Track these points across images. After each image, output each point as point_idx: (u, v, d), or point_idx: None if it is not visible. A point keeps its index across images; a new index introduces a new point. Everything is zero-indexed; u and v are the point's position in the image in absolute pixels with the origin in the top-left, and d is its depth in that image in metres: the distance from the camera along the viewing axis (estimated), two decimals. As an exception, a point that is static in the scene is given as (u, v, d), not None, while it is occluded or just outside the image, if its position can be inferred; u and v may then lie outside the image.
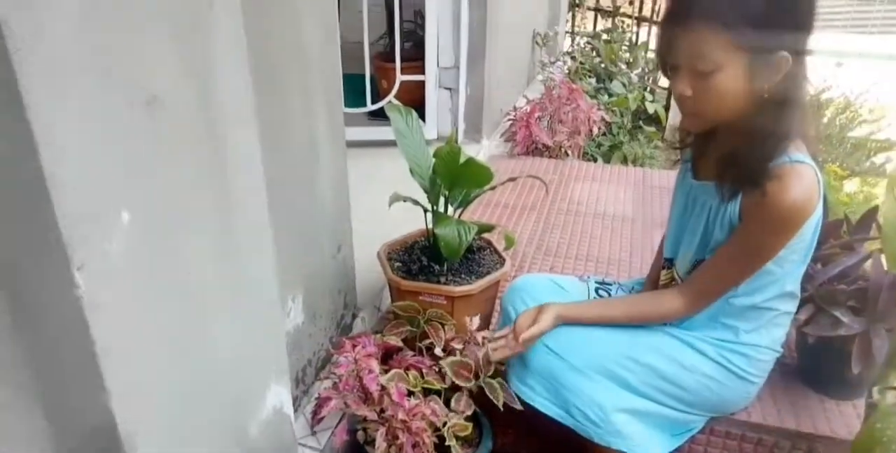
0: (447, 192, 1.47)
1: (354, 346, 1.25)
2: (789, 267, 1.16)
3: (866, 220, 1.49)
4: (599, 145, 3.65)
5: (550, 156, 3.03)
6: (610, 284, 1.46)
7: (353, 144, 2.55)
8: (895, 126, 3.61)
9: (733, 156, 1.10)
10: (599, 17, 5.51)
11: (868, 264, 1.40)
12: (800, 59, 1.03)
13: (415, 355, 1.36)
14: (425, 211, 1.50)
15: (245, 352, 0.96)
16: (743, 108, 1.06)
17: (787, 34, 1.00)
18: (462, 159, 1.36)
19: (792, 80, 1.04)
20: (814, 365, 1.48)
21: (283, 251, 1.13)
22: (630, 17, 5.34)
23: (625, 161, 3.62)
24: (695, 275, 1.19)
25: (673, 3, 1.06)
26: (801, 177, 1.05)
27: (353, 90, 2.74)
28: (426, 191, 1.49)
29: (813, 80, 1.10)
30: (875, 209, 1.47)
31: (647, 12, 5.36)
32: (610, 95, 3.98)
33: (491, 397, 1.23)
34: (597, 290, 1.44)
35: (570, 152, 3.09)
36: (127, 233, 0.68)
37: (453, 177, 1.42)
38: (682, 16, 1.02)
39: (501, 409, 1.23)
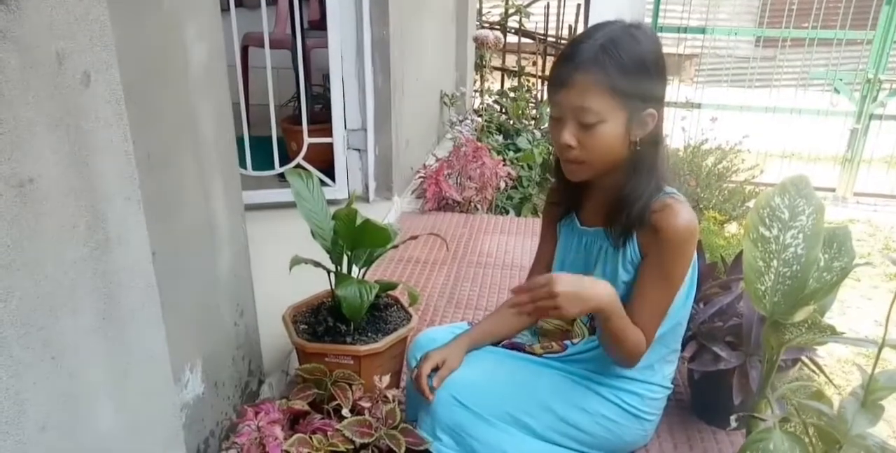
0: (349, 253, 1.50)
1: (257, 414, 1.24)
2: (679, 299, 1.26)
3: (739, 261, 1.63)
4: (510, 198, 3.80)
5: (461, 211, 3.13)
6: None
7: (262, 207, 2.58)
8: (768, 173, 3.98)
9: (621, 201, 1.21)
10: (506, 76, 5.81)
11: (742, 302, 1.53)
12: (661, 112, 1.20)
13: (322, 418, 1.35)
14: (328, 272, 1.52)
15: (135, 429, 0.94)
16: (618, 157, 1.19)
17: (656, 92, 1.18)
18: (359, 220, 1.40)
19: (657, 130, 1.20)
20: (703, 398, 1.58)
21: (179, 321, 1.12)
22: (534, 76, 5.67)
23: (535, 212, 3.77)
24: (634, 319, 1.22)
25: (560, 62, 1.18)
26: (682, 204, 1.19)
27: (263, 152, 2.76)
28: (329, 253, 1.51)
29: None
30: (745, 251, 1.61)
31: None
32: (517, 150, 4.16)
33: (393, 447, 1.23)
34: None
35: (479, 206, 3.20)
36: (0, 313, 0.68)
37: (353, 238, 1.46)
38: (571, 73, 1.14)
39: None
